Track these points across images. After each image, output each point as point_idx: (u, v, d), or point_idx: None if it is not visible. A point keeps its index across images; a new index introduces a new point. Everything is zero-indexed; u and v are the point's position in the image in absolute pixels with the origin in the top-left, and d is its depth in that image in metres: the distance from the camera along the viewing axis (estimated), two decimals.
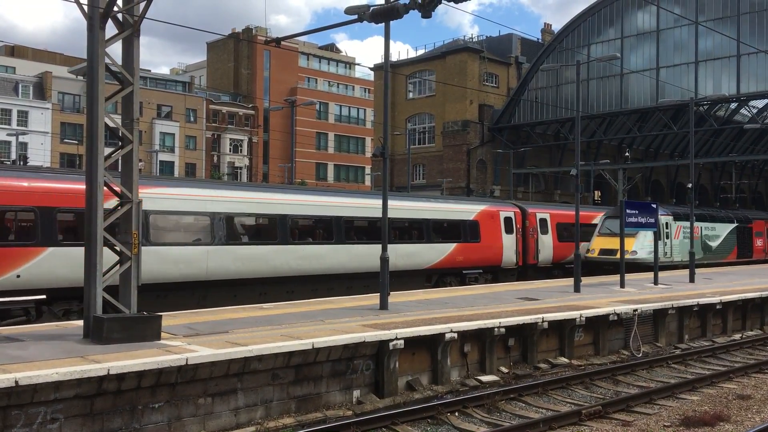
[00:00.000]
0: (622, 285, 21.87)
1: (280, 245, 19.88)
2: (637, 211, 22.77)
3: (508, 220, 27.52)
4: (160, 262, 16.92)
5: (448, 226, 25.32)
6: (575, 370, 14.70)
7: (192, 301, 17.65)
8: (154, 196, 17.14)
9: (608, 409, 11.31)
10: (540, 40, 64.07)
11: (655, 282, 23.27)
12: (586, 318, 15.67)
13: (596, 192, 59.25)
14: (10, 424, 8.30)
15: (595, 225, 32.46)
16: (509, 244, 27.31)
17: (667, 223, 32.23)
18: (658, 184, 67.28)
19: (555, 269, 30.43)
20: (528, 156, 57.03)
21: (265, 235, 20.31)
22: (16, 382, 8.20)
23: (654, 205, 23.91)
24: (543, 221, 29.73)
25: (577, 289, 20.49)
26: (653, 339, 17.98)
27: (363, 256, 21.53)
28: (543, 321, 14.69)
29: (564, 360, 15.32)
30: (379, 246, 16.23)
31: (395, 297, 17.83)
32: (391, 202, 21.69)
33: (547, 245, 29.67)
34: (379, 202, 17.13)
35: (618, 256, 23.61)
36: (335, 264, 21.12)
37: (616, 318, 16.45)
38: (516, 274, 28.01)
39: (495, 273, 26.95)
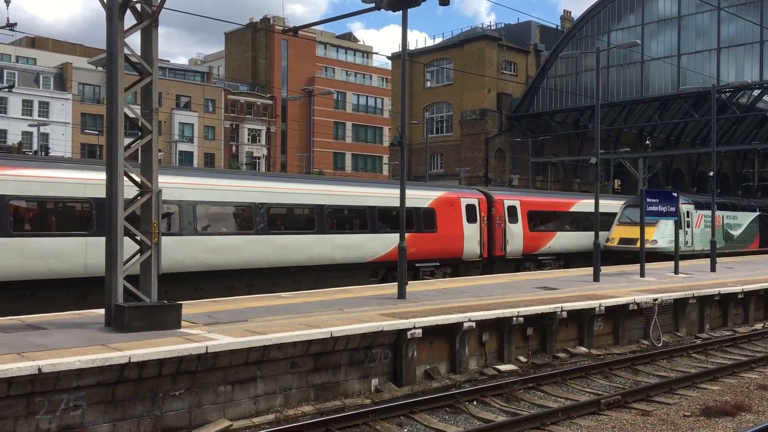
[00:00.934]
0: (642, 274, 21.71)
1: (255, 235, 18.76)
2: (657, 200, 22.56)
3: (470, 207, 25.25)
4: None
5: (398, 214, 22.90)
6: (594, 359, 14.64)
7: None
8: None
9: (628, 399, 11.26)
10: (559, 28, 63.44)
11: (676, 271, 23.07)
12: (606, 307, 15.58)
13: (616, 181, 58.74)
14: (33, 411, 8.44)
15: (584, 212, 30.74)
16: (471, 233, 25.00)
17: (688, 212, 31.90)
18: (679, 172, 66.56)
19: (526, 261, 27.90)
20: (547, 145, 56.65)
21: (239, 225, 19.00)
22: (40, 369, 8.32)
23: (675, 194, 23.67)
24: (512, 209, 27.10)
25: (596, 278, 20.38)
26: (673, 329, 17.85)
27: (290, 248, 19.48)
28: (562, 310, 14.63)
29: (583, 349, 15.25)
30: (319, 236, 15.57)
31: (413, 286, 17.84)
32: (326, 187, 21.14)
33: (516, 235, 27.10)
34: (331, 188, 16.80)
35: (638, 245, 23.42)
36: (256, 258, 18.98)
37: (635, 307, 16.34)
38: (480, 267, 25.69)
39: (455, 266, 24.70)
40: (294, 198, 20.24)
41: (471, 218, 25.10)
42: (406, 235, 21.21)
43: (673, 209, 23.05)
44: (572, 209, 30.64)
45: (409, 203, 21.65)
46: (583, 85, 53.75)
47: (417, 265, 22.89)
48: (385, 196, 22.39)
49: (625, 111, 53.98)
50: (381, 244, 21.76)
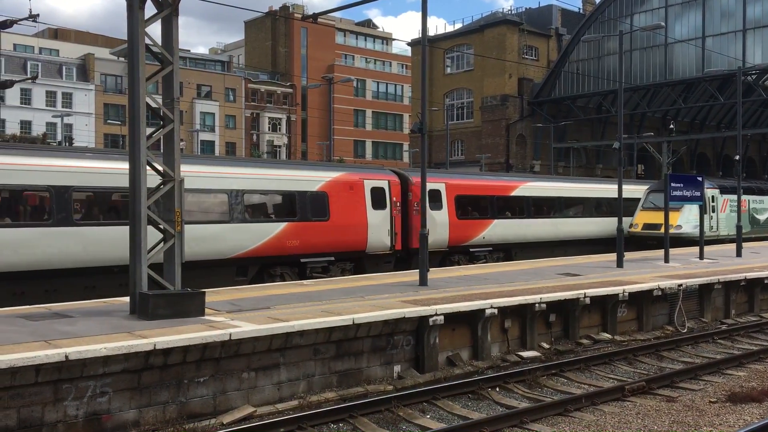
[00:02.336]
0: (667, 260, 21.49)
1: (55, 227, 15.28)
2: (682, 185, 22.28)
3: (377, 191, 21.09)
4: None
5: (280, 199, 19.49)
6: (618, 345, 14.54)
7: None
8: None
9: (652, 385, 11.18)
10: (581, 11, 62.68)
11: (701, 257, 22.80)
12: (629, 293, 15.45)
13: (639, 166, 58.10)
14: (61, 398, 8.57)
15: (559, 197, 27.95)
16: (378, 222, 20.88)
17: (713, 197, 31.49)
18: (703, 156, 65.68)
19: (454, 254, 23.74)
20: (569, 130, 56.16)
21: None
22: (66, 356, 8.44)
23: (700, 178, 23.36)
24: (435, 193, 22.71)
25: (620, 264, 20.21)
26: (698, 314, 17.66)
27: (108, 243, 15.76)
28: (585, 296, 14.53)
29: (606, 336, 15.16)
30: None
31: (434, 273, 17.82)
32: (184, 168, 15.59)
33: (440, 224, 22.72)
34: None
35: (662, 230, 23.17)
36: None
37: (660, 293, 16.19)
38: (393, 261, 21.64)
39: (359, 261, 20.75)
40: (106, 180, 15.91)
41: (378, 204, 21.05)
42: (285, 225, 18.68)
43: (698, 194, 22.75)
44: (515, 193, 26.17)
45: (287, 186, 19.15)
46: (606, 69, 53.13)
47: (303, 260, 19.19)
48: (257, 177, 18.67)
49: (649, 95, 53.30)
50: (250, 235, 18.01)
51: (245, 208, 18.16)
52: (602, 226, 29.06)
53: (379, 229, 20.89)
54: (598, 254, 26.05)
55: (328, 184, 20.05)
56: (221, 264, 17.49)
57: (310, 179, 19.85)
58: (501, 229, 25.08)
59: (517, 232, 25.75)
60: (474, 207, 24.63)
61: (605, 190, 30.19)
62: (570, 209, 28.78)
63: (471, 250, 24.15)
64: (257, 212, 18.87)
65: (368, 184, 20.96)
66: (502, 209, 25.48)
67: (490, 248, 24.75)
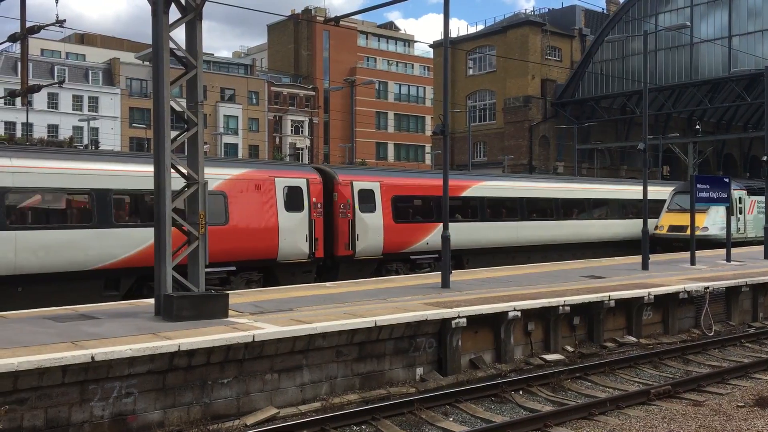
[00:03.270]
0: (693, 262, 21.21)
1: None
2: (708, 186, 21.99)
3: (293, 191, 18.87)
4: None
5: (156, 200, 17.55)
6: (643, 349, 14.38)
7: None
8: None
9: (678, 389, 11.04)
10: (605, 11, 62.18)
11: (728, 259, 22.47)
12: (655, 296, 15.27)
13: (665, 167, 57.46)
14: (87, 398, 8.67)
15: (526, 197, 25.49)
16: (293, 226, 18.60)
17: (740, 198, 31.03)
18: (730, 157, 64.78)
19: (391, 262, 21.24)
20: (593, 131, 55.75)
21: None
22: (93, 357, 8.54)
23: (726, 180, 23.03)
24: (367, 193, 20.57)
25: (645, 266, 19.99)
26: (725, 317, 17.40)
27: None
28: (609, 299, 14.39)
29: (631, 339, 15.00)
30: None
31: (457, 275, 17.77)
32: (11, 162, 14.60)
33: (372, 228, 20.44)
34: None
35: (688, 232, 22.89)
36: None
37: (686, 296, 15.98)
38: (314, 270, 19.42)
39: (269, 270, 18.52)
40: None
41: (294, 205, 18.82)
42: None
43: (724, 195, 22.43)
44: (466, 194, 23.36)
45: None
46: (630, 69, 52.64)
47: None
48: (127, 174, 16.05)
49: (674, 95, 52.72)
50: (121, 243, 15.62)
51: (118, 212, 16.02)
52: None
53: (293, 233, 18.59)
54: (623, 256, 25.77)
55: (228, 183, 17.62)
56: (84, 276, 15.15)
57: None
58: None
59: (468, 237, 22.95)
60: (415, 209, 22.06)
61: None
62: (535, 211, 25.96)
63: (412, 257, 21.57)
64: (133, 215, 16.42)
65: (280, 183, 18.64)
66: (450, 212, 19.60)
67: (435, 255, 20.41)
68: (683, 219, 27.27)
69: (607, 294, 14.49)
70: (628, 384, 11.76)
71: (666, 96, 52.52)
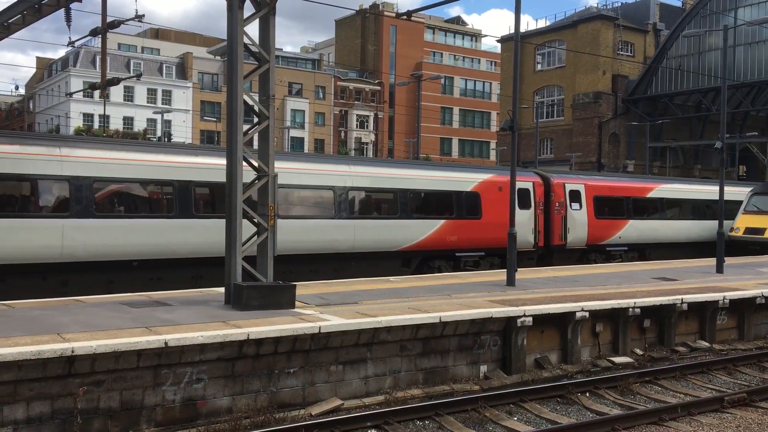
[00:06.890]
0: None
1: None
2: None
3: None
4: None
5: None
6: (717, 354, 13.90)
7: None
8: None
9: (754, 397, 10.63)
10: (682, 5, 60.17)
11: None
12: (730, 300, 14.73)
13: (741, 167, 55.22)
14: (160, 382, 8.95)
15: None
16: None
17: None
18: None
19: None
20: (665, 129, 54.02)
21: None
22: (166, 343, 8.81)
23: None
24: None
25: (719, 269, 19.30)
26: None
27: None
28: (682, 302, 13.96)
29: (704, 344, 14.50)
30: None
31: (521, 274, 17.55)
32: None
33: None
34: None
35: (766, 235, 21.97)
36: None
37: (763, 301, 15.36)
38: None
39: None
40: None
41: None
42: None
43: None
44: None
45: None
46: (707, 65, 50.80)
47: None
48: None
49: (753, 92, 50.56)
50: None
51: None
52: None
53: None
54: (696, 258, 24.96)
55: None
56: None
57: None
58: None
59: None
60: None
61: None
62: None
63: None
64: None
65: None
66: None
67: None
68: (761, 221, 26.25)
69: (679, 297, 14.06)
70: (700, 390, 11.39)
71: (744, 93, 50.41)
